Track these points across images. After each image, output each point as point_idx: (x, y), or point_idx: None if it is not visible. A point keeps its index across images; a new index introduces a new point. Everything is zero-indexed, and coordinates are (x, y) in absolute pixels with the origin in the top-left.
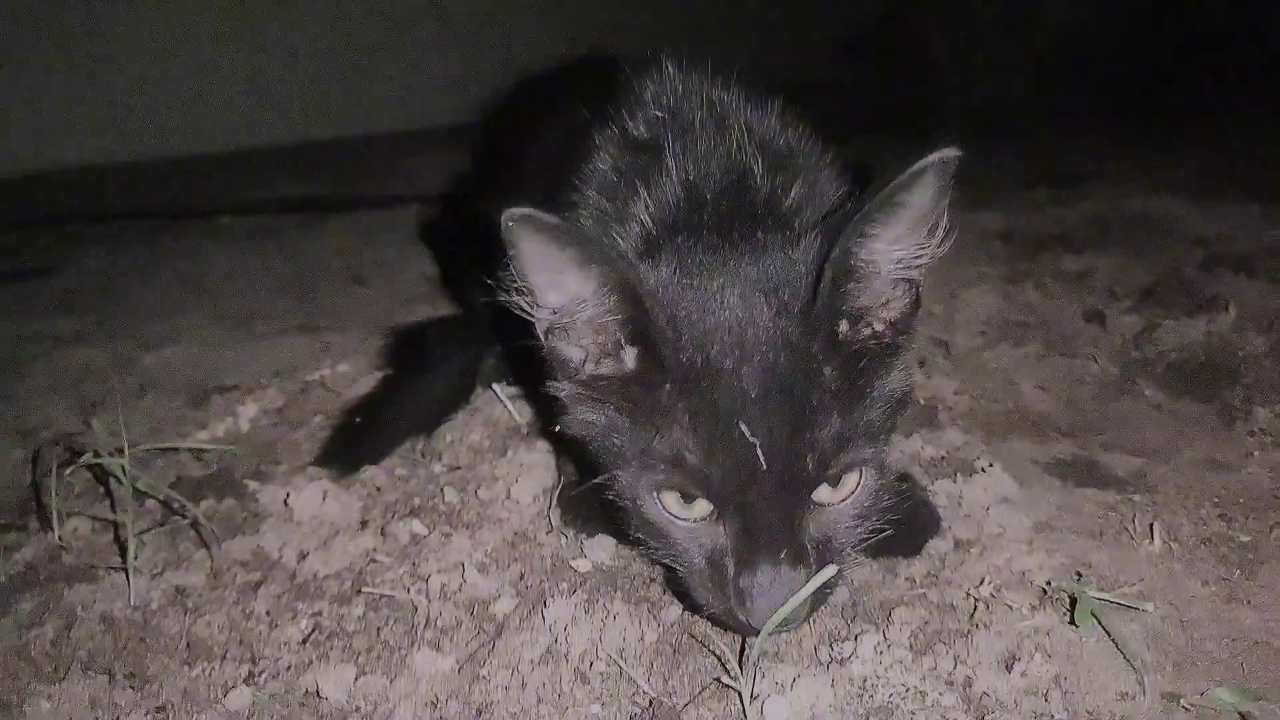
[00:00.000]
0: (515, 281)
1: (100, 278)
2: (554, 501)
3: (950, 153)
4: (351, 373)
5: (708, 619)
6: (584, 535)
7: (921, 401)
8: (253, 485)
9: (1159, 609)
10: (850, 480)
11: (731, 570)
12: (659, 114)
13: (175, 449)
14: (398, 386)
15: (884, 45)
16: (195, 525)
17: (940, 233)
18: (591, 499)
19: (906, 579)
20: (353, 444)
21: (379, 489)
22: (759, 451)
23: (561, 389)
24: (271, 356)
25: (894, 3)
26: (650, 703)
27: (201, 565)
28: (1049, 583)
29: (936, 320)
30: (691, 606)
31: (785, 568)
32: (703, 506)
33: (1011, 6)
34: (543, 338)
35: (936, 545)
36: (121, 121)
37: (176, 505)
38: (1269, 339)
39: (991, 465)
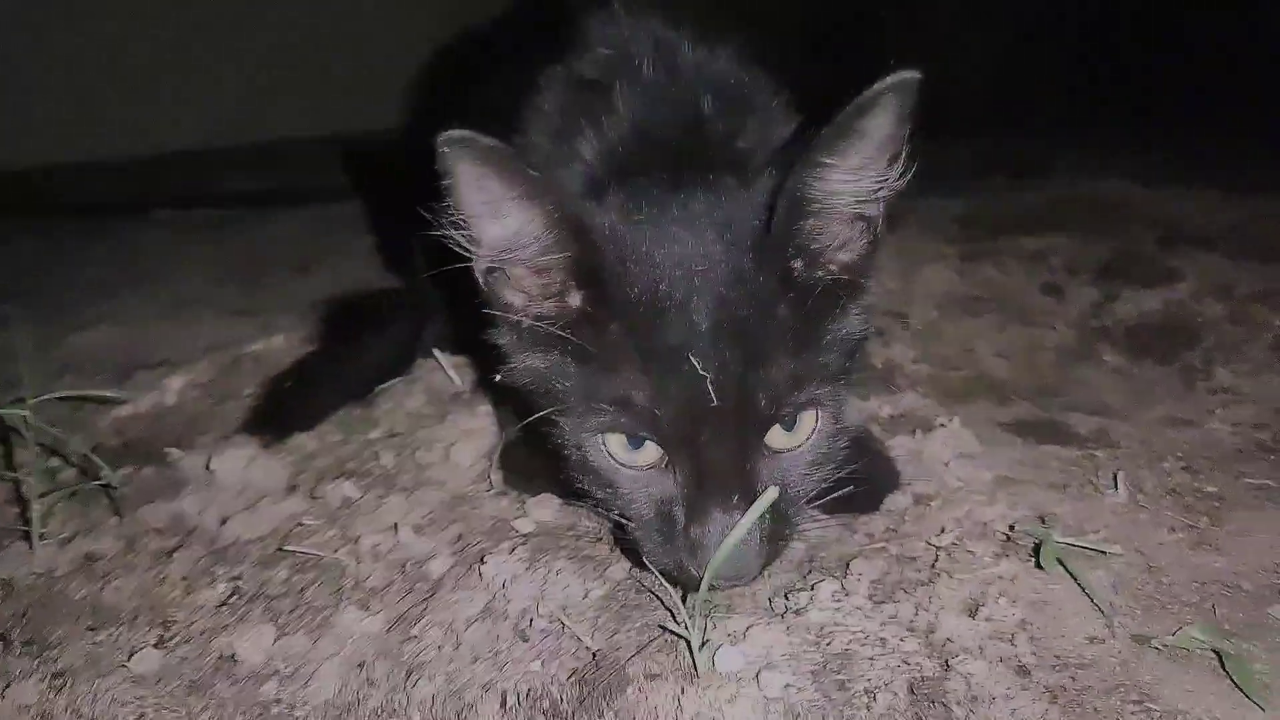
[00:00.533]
0: (452, 214)
1: (31, 267)
2: (495, 462)
3: (910, 75)
4: (286, 346)
5: (659, 575)
6: (526, 495)
7: (879, 366)
8: (175, 453)
9: (1125, 555)
10: (806, 423)
11: (681, 519)
12: (606, 53)
13: (91, 412)
14: (332, 352)
15: (845, 37)
16: (108, 490)
17: (900, 164)
18: (535, 458)
19: (865, 534)
20: (284, 410)
21: (310, 455)
22: (709, 386)
23: (503, 335)
24: (205, 335)
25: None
26: (594, 655)
27: (114, 531)
28: (1012, 527)
29: (894, 295)
30: (640, 562)
31: (737, 515)
32: (651, 451)
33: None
34: (481, 279)
35: (896, 500)
36: (66, 120)
37: (91, 469)
38: (1227, 306)
39: (951, 420)
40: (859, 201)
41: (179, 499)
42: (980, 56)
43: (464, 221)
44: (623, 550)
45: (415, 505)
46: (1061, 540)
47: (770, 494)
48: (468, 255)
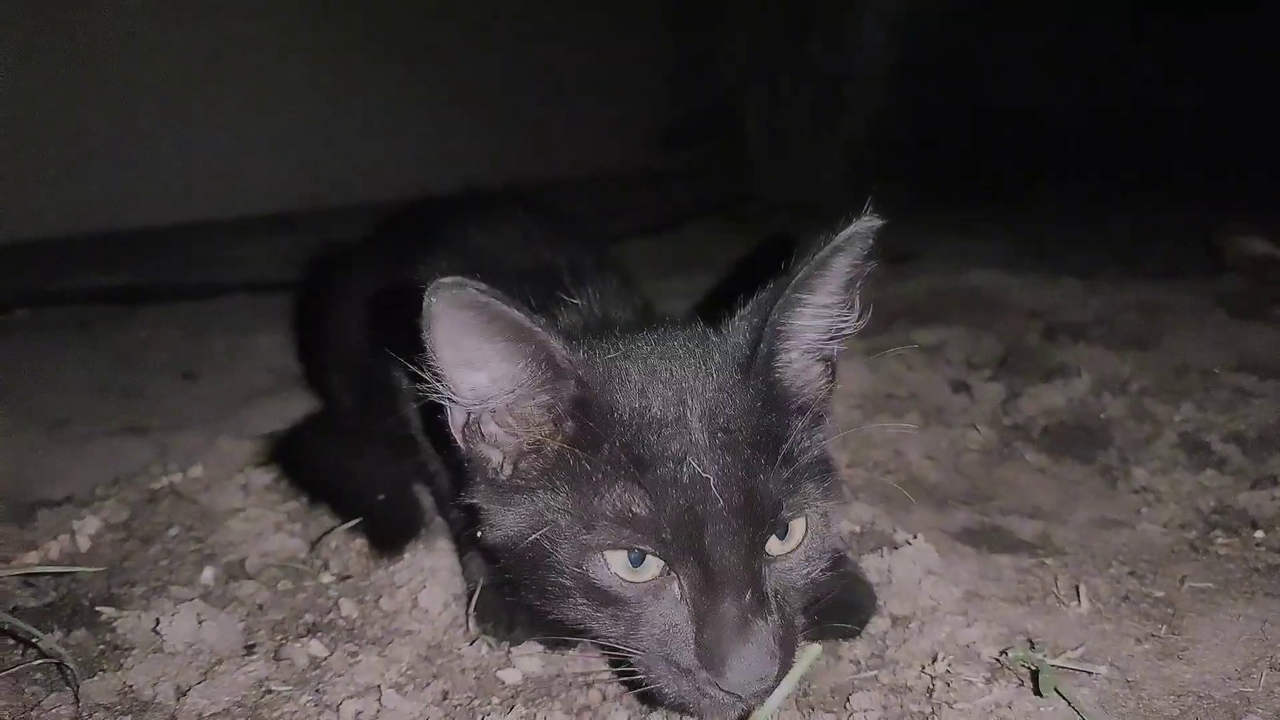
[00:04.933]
0: (434, 363)
1: None
2: (471, 607)
3: (872, 222)
4: (205, 477)
5: (673, 708)
6: (508, 643)
7: None
8: (107, 612)
9: (1105, 670)
10: (797, 530)
11: (692, 633)
12: None
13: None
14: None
15: (706, 135)
16: (45, 664)
17: (858, 307)
18: (513, 602)
19: (851, 661)
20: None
21: (261, 606)
22: (713, 489)
23: (481, 495)
24: (99, 462)
25: (714, 94)
26: None
27: (58, 713)
28: (1003, 653)
29: None
30: (653, 699)
31: (755, 619)
32: (653, 566)
33: (821, 98)
34: (460, 435)
35: (874, 623)
36: None
37: (22, 634)
38: (1126, 402)
39: (915, 538)
40: (823, 339)
41: (126, 669)
42: (833, 153)
43: (445, 370)
44: (628, 686)
45: (390, 661)
46: (1054, 664)
47: (814, 650)
48: (446, 404)
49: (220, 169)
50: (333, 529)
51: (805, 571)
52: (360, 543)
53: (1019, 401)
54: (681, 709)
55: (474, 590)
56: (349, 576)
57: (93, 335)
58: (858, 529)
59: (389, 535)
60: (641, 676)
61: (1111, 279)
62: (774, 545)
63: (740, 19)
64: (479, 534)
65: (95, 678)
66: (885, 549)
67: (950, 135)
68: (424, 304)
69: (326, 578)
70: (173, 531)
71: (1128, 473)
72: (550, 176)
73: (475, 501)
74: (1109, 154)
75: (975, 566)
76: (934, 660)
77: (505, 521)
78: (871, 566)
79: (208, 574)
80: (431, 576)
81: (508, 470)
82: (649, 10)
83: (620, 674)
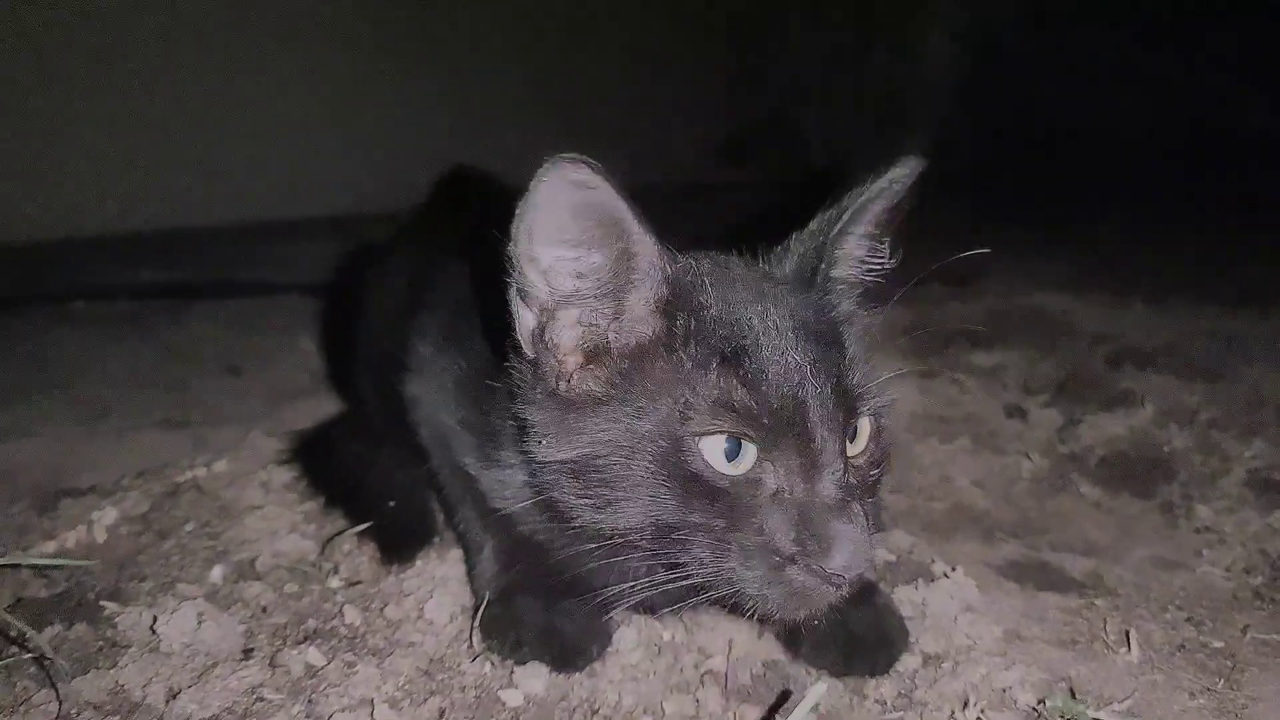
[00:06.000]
0: (520, 254)
1: None
2: (476, 621)
3: (917, 164)
4: (229, 472)
5: (769, 610)
6: (513, 661)
7: None
8: (110, 607)
9: None
10: (865, 429)
11: (794, 517)
12: None
13: (16, 565)
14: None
15: (764, 148)
16: (40, 659)
17: (889, 247)
18: (521, 617)
19: (877, 700)
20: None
21: (264, 609)
22: (811, 374)
23: (542, 410)
24: (134, 453)
25: (773, 106)
26: None
27: (45, 709)
28: (1041, 701)
29: None
30: (737, 603)
31: (853, 501)
32: (748, 457)
33: (883, 112)
34: (530, 343)
35: (905, 660)
36: None
37: (15, 633)
38: (1192, 434)
39: (954, 570)
40: (864, 270)
41: (120, 667)
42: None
43: (536, 255)
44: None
45: (388, 674)
46: (1096, 716)
47: (817, 691)
48: (518, 307)
49: (277, 170)
50: (342, 531)
51: (873, 474)
52: (373, 547)
53: (1077, 429)
54: (778, 608)
55: (481, 603)
56: (358, 582)
57: (144, 329)
58: (894, 558)
59: (399, 542)
60: (728, 586)
61: (1183, 304)
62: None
63: (801, 29)
64: (536, 449)
65: (89, 674)
66: (922, 580)
67: (1016, 152)
68: (533, 181)
69: (335, 582)
70: (189, 526)
71: (1190, 510)
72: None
73: (535, 417)
74: (1182, 175)
75: (1018, 604)
76: (965, 705)
77: (578, 431)
78: (905, 599)
79: (216, 572)
80: (441, 586)
81: (581, 378)
82: (708, 20)
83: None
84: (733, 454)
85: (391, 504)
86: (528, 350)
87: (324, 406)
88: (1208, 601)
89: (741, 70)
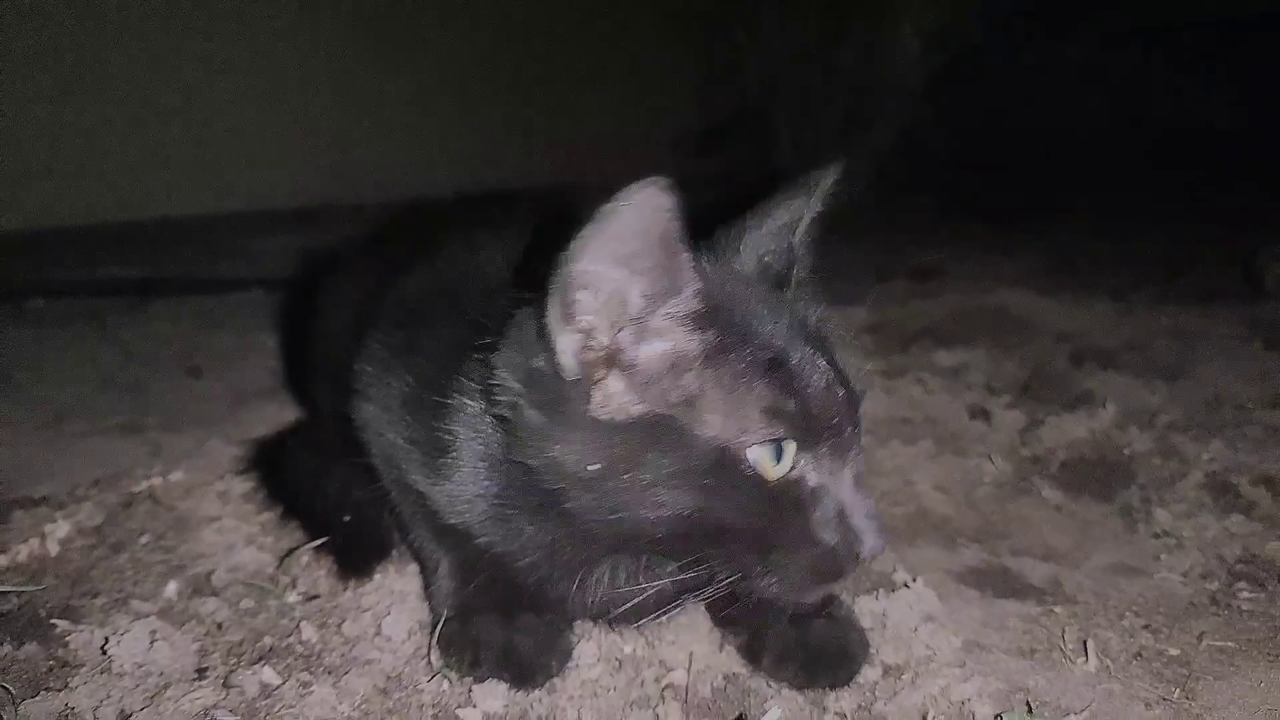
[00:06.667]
0: (575, 272)
1: None
2: (434, 638)
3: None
4: (186, 482)
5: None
6: (471, 678)
7: None
8: (62, 625)
9: None
10: (863, 421)
11: (832, 509)
12: None
13: None
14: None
15: (736, 141)
16: None
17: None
18: (479, 634)
19: (837, 713)
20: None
21: (219, 625)
22: (832, 370)
23: (574, 433)
24: (90, 461)
25: (744, 101)
26: None
27: None
28: (999, 716)
29: None
30: (774, 593)
31: (868, 491)
32: (788, 457)
33: (851, 108)
34: (573, 364)
35: (865, 672)
36: None
37: None
38: (1152, 436)
39: (915, 580)
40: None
41: (70, 688)
42: (862, 164)
43: (593, 276)
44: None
45: (345, 694)
46: None
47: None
48: (558, 332)
49: (242, 161)
50: (300, 547)
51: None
52: (331, 561)
53: (1039, 431)
54: (801, 593)
55: (438, 620)
56: (316, 596)
57: (103, 327)
58: None
59: (355, 557)
60: (755, 581)
61: (1145, 302)
62: None
63: (772, 26)
64: (556, 464)
65: (38, 696)
66: (882, 590)
67: (980, 150)
68: (617, 202)
69: (292, 597)
70: (144, 539)
71: (1149, 514)
72: (577, 179)
73: (563, 434)
74: (1143, 174)
75: (978, 613)
76: (924, 718)
77: (612, 446)
78: (866, 610)
79: (171, 588)
80: (399, 601)
81: (622, 397)
82: (681, 15)
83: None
84: (777, 456)
85: (347, 519)
86: (567, 370)
87: (285, 410)
88: (1165, 608)
89: (714, 65)
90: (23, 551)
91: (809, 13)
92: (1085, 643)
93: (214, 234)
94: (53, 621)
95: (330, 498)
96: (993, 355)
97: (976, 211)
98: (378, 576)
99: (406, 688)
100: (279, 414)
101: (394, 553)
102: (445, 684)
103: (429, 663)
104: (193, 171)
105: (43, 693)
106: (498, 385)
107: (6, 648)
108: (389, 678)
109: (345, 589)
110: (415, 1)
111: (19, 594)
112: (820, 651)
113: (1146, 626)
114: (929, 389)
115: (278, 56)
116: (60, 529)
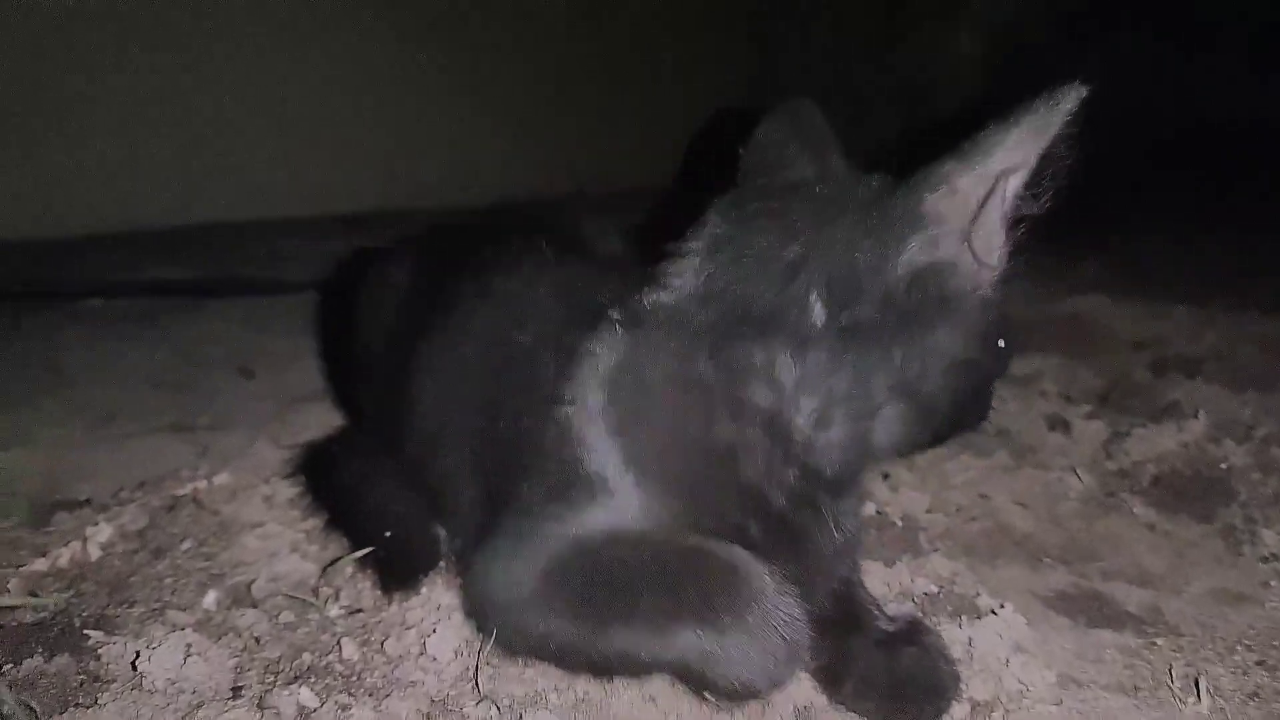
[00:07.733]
0: None
1: None
2: (480, 659)
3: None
4: (231, 484)
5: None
6: (521, 706)
7: (899, 523)
8: (95, 636)
9: None
10: None
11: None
12: None
13: None
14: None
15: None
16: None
17: None
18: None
19: None
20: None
21: (257, 640)
22: None
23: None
24: (136, 462)
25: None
26: None
27: None
28: None
29: None
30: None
31: None
32: None
33: (908, 111)
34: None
35: (952, 709)
36: None
37: None
38: (1250, 450)
39: (1003, 606)
40: None
41: (100, 705)
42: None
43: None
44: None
45: (385, 718)
46: None
47: None
48: None
49: (298, 167)
50: (343, 557)
51: None
52: (376, 572)
53: (1125, 444)
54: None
55: (486, 641)
56: (359, 610)
57: (157, 327)
58: (935, 588)
59: (399, 571)
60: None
61: (1224, 309)
62: None
63: (823, 29)
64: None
65: (64, 713)
66: (966, 616)
67: None
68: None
69: (334, 610)
70: (185, 545)
71: (1254, 535)
72: (626, 188)
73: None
74: (1216, 174)
75: (1072, 643)
76: None
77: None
78: (950, 637)
79: (210, 598)
80: (446, 618)
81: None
82: (728, 22)
83: None
84: None
85: (388, 534)
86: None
87: (336, 413)
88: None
89: (764, 71)
90: (64, 555)
91: (860, 14)
92: (1196, 681)
93: (272, 238)
94: (86, 632)
95: (376, 507)
96: (1067, 364)
97: (1041, 215)
98: (424, 590)
99: (451, 712)
100: (328, 416)
101: (441, 564)
102: (493, 709)
103: (476, 686)
104: (248, 175)
105: (70, 709)
106: None
107: (37, 659)
108: (433, 701)
109: (390, 602)
110: (457, 10)
111: (56, 600)
112: (907, 683)
113: (1261, 663)
114: (1001, 398)
115: (334, 79)
116: (102, 533)
